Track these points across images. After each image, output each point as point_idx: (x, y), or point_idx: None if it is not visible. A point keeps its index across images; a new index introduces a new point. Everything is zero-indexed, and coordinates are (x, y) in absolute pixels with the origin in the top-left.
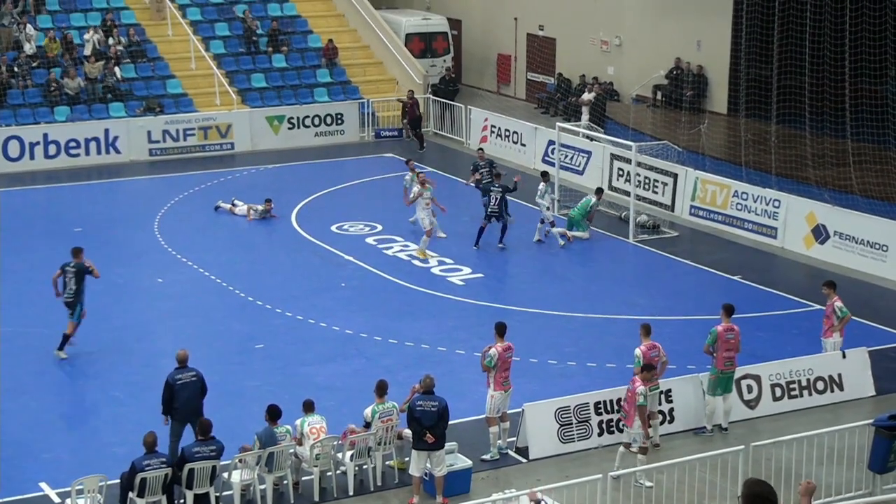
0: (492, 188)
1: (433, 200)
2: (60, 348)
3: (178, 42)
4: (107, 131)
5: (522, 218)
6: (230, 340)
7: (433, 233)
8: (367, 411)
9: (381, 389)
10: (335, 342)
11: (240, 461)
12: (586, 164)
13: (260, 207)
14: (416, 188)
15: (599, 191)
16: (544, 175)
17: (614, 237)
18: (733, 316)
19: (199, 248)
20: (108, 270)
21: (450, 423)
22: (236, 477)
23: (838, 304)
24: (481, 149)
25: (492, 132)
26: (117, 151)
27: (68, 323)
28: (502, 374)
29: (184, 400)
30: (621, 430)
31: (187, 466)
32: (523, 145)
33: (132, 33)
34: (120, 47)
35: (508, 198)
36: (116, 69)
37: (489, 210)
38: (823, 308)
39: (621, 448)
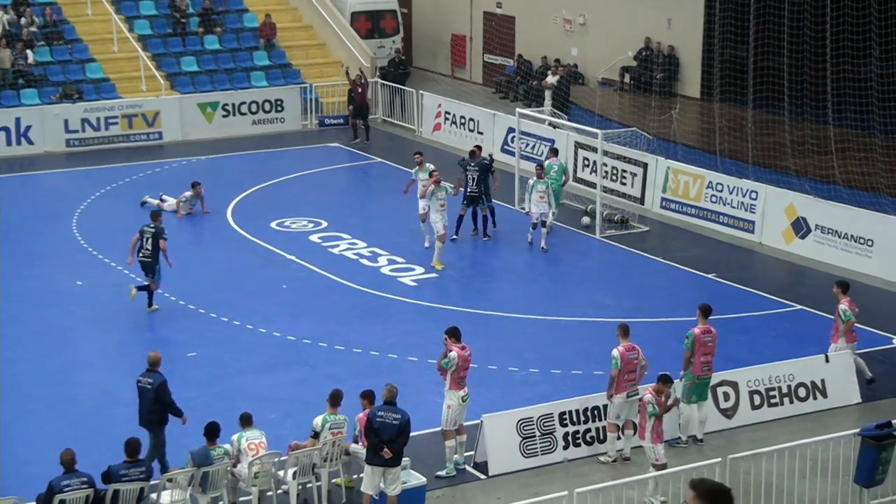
0: (467, 167)
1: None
2: (150, 305)
3: (99, 22)
4: (18, 120)
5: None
6: (159, 349)
7: (446, 238)
8: (318, 420)
9: (335, 399)
10: (276, 349)
11: (169, 481)
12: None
13: (188, 193)
14: (422, 184)
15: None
16: (539, 168)
17: (579, 233)
18: (710, 317)
19: (123, 248)
20: (22, 272)
21: None
22: (166, 498)
23: (842, 306)
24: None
25: (446, 119)
26: (30, 142)
27: (150, 282)
28: (460, 374)
29: (140, 406)
30: (589, 443)
31: (112, 487)
32: (480, 133)
33: (48, 13)
34: (33, 28)
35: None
36: (29, 52)
37: (467, 192)
38: (805, 308)
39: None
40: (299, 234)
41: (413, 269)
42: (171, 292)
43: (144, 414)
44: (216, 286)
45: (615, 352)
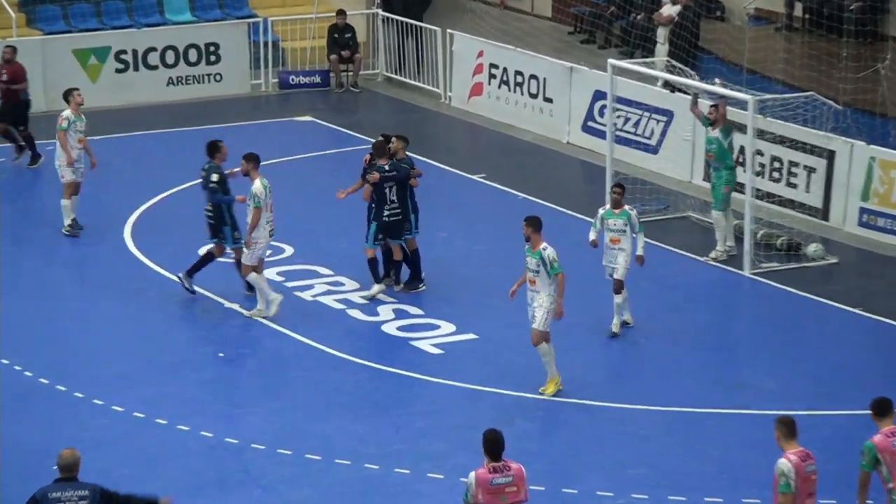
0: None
1: None
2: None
3: None
4: None
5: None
6: (17, 455)
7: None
8: None
9: None
10: (204, 460)
11: None
12: (663, 134)
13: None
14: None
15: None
16: (618, 193)
17: (715, 266)
18: None
19: None
20: None
21: None
22: None
23: None
24: (387, 138)
25: (491, 77)
26: None
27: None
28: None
29: None
30: None
31: None
32: (548, 101)
33: None
34: None
35: None
36: None
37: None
38: None
39: None
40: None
41: (435, 326)
42: (23, 361)
43: None
44: (102, 352)
45: (785, 465)
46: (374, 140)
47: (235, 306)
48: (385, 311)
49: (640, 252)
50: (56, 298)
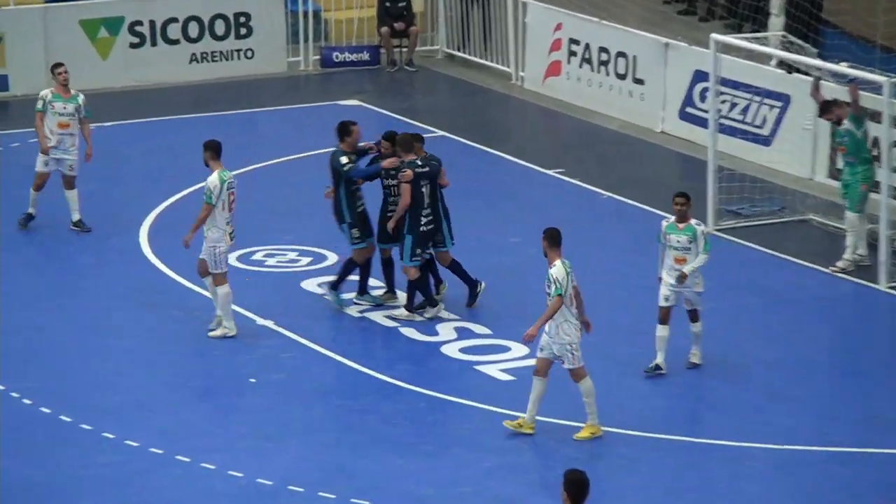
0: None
1: None
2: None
3: None
4: None
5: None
6: (15, 497)
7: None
8: None
9: None
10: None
11: None
12: (778, 122)
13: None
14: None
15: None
16: (683, 205)
17: (845, 278)
18: None
19: None
20: None
21: None
22: None
23: None
24: (391, 134)
25: (571, 54)
26: None
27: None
28: None
29: None
30: None
31: None
32: (639, 82)
33: None
34: None
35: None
36: None
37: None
38: None
39: None
40: (282, 276)
41: (505, 348)
42: (20, 386)
43: None
44: (113, 376)
45: None
46: (435, 130)
47: (270, 323)
48: (445, 330)
49: (687, 268)
50: (59, 312)
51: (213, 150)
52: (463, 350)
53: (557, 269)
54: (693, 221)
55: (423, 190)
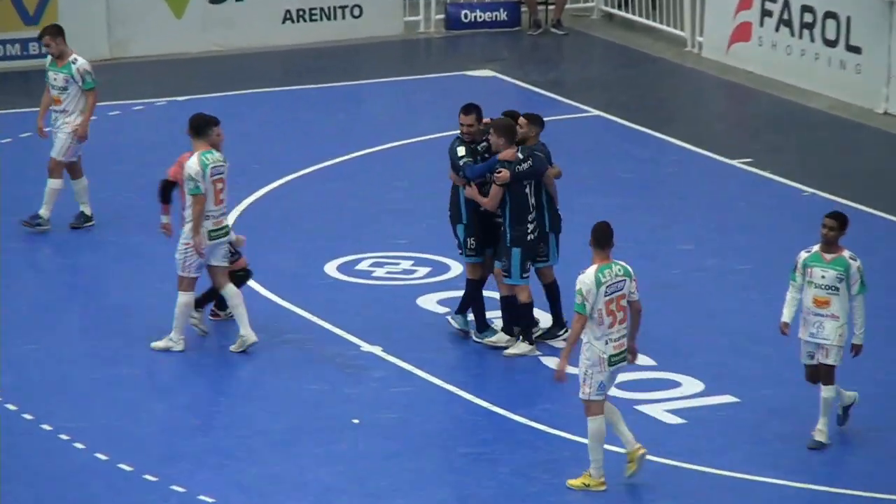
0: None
1: None
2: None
3: None
4: None
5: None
6: None
7: None
8: None
9: None
10: None
11: None
12: None
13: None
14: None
15: None
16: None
17: None
18: None
19: None
20: None
21: None
22: None
23: None
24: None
25: (764, 15)
26: None
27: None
28: None
29: None
30: None
31: None
32: (854, 50)
33: None
34: None
35: None
36: None
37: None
38: None
39: None
40: (393, 290)
41: (675, 383)
42: (62, 426)
43: None
44: (158, 412)
45: None
46: (589, 109)
47: (377, 350)
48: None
49: (857, 339)
50: (95, 336)
51: (194, 126)
52: (620, 386)
53: (586, 277)
54: (846, 253)
55: (527, 190)
